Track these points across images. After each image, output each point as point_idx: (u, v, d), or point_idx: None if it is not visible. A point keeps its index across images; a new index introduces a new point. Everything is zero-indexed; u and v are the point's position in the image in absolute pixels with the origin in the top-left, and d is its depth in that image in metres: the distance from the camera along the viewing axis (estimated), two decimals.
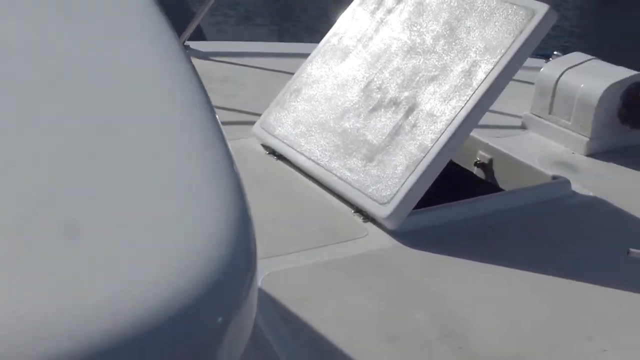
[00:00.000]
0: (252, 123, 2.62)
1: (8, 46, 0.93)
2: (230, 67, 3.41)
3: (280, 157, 2.48)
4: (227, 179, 0.69)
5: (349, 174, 2.23)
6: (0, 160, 0.68)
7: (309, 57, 2.64)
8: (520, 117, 3.00)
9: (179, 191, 0.67)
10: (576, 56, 3.00)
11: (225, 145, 0.75)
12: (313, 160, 2.34)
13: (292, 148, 2.42)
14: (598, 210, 2.39)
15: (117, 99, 0.82)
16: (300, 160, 2.38)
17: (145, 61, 0.93)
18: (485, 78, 2.18)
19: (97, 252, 0.58)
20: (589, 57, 2.98)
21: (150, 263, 0.58)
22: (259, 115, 2.63)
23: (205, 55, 3.50)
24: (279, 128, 2.51)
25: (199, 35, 4.77)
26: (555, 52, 3.44)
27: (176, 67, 0.91)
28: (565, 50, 3.37)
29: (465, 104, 2.17)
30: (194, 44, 3.54)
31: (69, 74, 0.86)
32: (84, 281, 0.55)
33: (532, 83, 3.00)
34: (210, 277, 0.57)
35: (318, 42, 2.71)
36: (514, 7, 2.27)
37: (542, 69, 2.96)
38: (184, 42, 3.37)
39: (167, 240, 0.60)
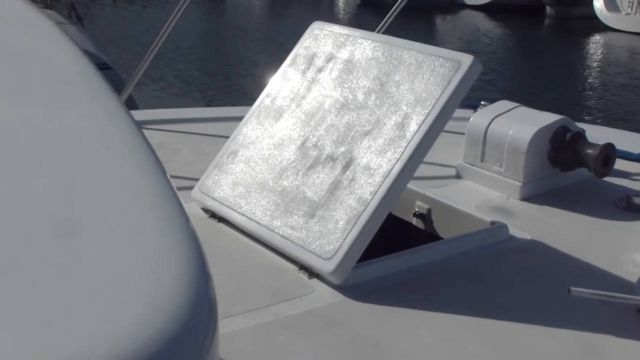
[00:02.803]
0: (190, 188, 2.62)
1: None
2: (164, 134, 3.41)
3: (222, 219, 2.47)
4: (187, 236, 0.70)
5: (291, 232, 2.23)
6: None
7: (244, 119, 2.66)
8: (454, 166, 3.07)
9: (144, 249, 0.67)
10: (503, 104, 3.09)
11: (180, 204, 0.76)
12: (254, 220, 2.34)
13: (233, 210, 2.42)
14: (536, 252, 2.44)
15: (79, 165, 0.83)
16: (242, 221, 2.38)
17: (98, 128, 0.94)
18: (417, 129, 2.23)
19: (66, 305, 0.58)
20: (515, 104, 3.08)
21: (116, 317, 0.58)
22: (196, 179, 2.63)
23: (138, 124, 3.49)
24: (218, 191, 2.51)
25: (130, 104, 4.77)
26: (482, 102, 3.54)
27: (127, 131, 0.92)
28: (492, 99, 3.46)
29: (401, 155, 2.21)
30: None
31: (35, 145, 0.87)
32: (51, 334, 0.55)
33: (462, 133, 3.07)
34: (174, 330, 0.57)
35: (251, 105, 2.74)
36: (440, 59, 2.34)
37: (471, 119, 3.04)
38: None
39: (133, 295, 0.61)
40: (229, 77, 14.90)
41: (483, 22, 26.81)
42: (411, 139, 2.23)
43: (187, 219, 0.77)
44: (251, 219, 2.35)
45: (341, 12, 29.62)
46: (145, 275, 0.64)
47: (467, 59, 2.31)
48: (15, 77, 1.13)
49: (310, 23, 2.77)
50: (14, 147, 0.88)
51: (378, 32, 3.83)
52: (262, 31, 21.29)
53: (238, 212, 2.40)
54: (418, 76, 2.35)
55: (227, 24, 23.34)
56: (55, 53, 1.35)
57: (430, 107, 2.26)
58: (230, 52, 17.68)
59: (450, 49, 2.45)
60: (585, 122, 11.92)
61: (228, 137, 2.68)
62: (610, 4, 25.23)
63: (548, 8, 27.76)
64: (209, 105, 10.99)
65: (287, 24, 21.54)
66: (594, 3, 25.56)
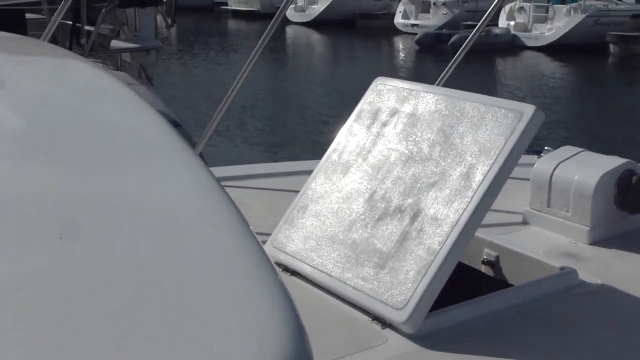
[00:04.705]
0: (262, 243, 2.70)
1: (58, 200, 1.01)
2: (235, 191, 3.52)
3: (294, 273, 2.55)
4: (281, 293, 0.78)
5: (362, 283, 2.30)
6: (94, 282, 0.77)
7: (312, 174, 2.75)
8: (520, 213, 3.10)
9: (245, 309, 0.76)
10: (567, 150, 3.12)
11: (271, 263, 0.84)
12: (326, 273, 2.41)
13: (305, 263, 2.50)
14: (607, 297, 2.45)
15: (179, 232, 0.92)
16: (314, 274, 2.46)
17: (189, 194, 1.03)
18: (483, 179, 2.28)
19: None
20: (579, 149, 3.10)
21: None
22: (268, 234, 2.72)
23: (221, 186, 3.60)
24: (290, 245, 2.59)
25: None
26: (546, 147, 3.57)
27: (215, 195, 1.01)
28: (555, 145, 3.50)
29: (467, 205, 2.26)
30: None
31: (128, 218, 0.95)
32: None
33: (527, 179, 3.11)
34: None
35: (319, 158, 2.83)
36: (503, 110, 2.40)
37: (535, 165, 3.07)
38: None
39: (240, 355, 0.68)
40: (296, 131, 15.11)
41: (545, 63, 26.67)
42: (477, 189, 2.28)
43: (278, 276, 0.85)
44: (323, 272, 2.43)
45: (401, 57, 29.88)
46: (250, 334, 0.71)
47: (529, 109, 2.36)
48: (99, 149, 1.22)
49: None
50: (114, 217, 0.97)
51: (439, 82, 3.91)
52: (326, 81, 21.57)
53: (310, 266, 2.48)
54: (481, 127, 2.41)
55: (291, 75, 23.72)
56: (135, 119, 1.43)
57: (494, 157, 2.31)
58: (296, 104, 17.94)
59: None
60: None
61: (298, 191, 2.76)
62: None
63: (612, 46, 27.51)
64: (278, 160, 11.16)
65: (350, 72, 21.79)
66: None
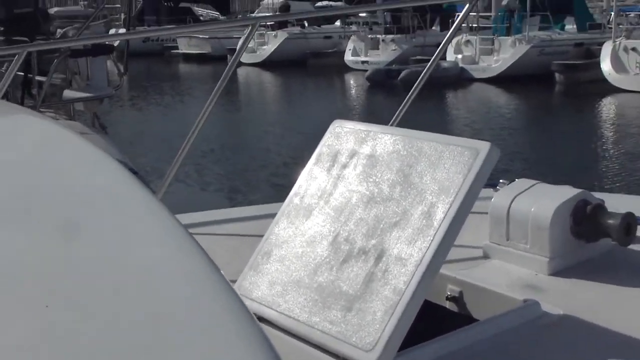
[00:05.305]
0: None
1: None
2: (198, 238, 3.51)
3: (261, 319, 2.55)
4: (261, 339, 0.80)
5: (330, 326, 2.31)
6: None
7: (275, 219, 2.77)
8: (481, 247, 3.15)
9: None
10: (522, 183, 3.19)
11: (247, 309, 0.86)
12: (294, 318, 2.42)
13: (272, 309, 2.50)
14: (570, 327, 2.50)
15: (158, 291, 0.93)
16: (281, 319, 2.46)
17: (159, 247, 1.04)
18: (444, 217, 2.33)
19: None
20: (534, 181, 3.17)
21: None
22: (233, 281, 2.72)
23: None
24: (256, 291, 2.60)
25: None
26: (501, 181, 3.63)
27: (186, 244, 1.03)
28: (512, 177, 3.56)
29: (430, 243, 2.30)
30: None
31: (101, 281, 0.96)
32: None
33: (486, 212, 3.16)
34: None
35: (281, 200, 2.84)
36: (459, 148, 2.46)
37: (492, 199, 3.13)
38: None
39: None
40: (257, 174, 15.08)
41: (494, 94, 27.12)
42: (439, 227, 2.32)
43: (260, 328, 0.87)
44: (290, 317, 2.43)
45: (353, 94, 30.15)
46: None
47: (484, 147, 2.42)
48: (63, 207, 1.22)
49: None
50: (89, 278, 0.98)
51: (394, 120, 3.97)
52: (282, 121, 21.60)
53: (277, 311, 2.48)
54: (439, 166, 2.46)
55: (247, 118, 23.68)
56: (94, 171, 1.44)
57: (454, 195, 2.36)
58: (255, 147, 17.92)
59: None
60: (606, 189, 12.00)
61: (261, 235, 2.77)
62: (618, 66, 25.52)
63: (557, 75, 28.08)
64: (241, 204, 11.15)
65: (305, 111, 21.87)
66: (601, 66, 25.86)
